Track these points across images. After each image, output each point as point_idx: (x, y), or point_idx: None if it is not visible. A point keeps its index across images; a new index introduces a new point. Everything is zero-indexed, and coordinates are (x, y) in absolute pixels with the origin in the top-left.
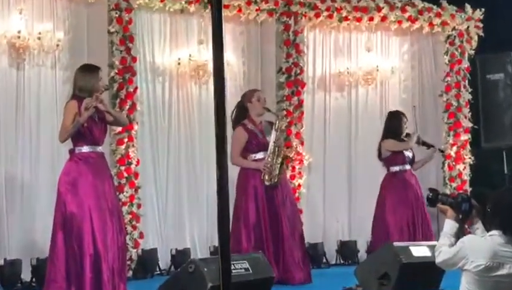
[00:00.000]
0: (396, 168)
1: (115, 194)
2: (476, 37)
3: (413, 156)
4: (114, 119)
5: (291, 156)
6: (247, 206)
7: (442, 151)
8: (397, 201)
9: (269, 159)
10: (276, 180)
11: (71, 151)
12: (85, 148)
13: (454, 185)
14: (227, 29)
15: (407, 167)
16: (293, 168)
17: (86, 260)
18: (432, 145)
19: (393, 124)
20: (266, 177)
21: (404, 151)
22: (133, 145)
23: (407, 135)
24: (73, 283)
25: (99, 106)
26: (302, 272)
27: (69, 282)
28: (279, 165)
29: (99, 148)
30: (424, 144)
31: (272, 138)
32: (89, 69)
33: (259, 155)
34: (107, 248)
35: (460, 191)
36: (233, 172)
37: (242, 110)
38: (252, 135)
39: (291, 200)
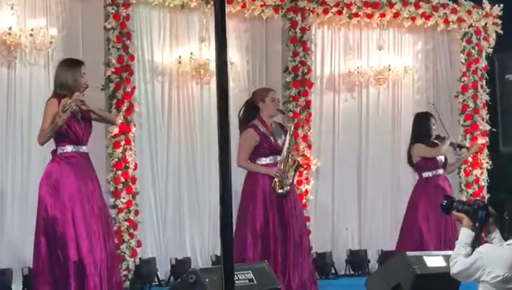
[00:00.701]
0: (428, 174)
1: (101, 197)
2: (494, 35)
3: (446, 159)
4: (100, 118)
5: (301, 163)
6: (255, 213)
7: (476, 152)
8: (430, 207)
9: (281, 167)
10: (288, 189)
11: (53, 152)
12: (68, 148)
13: (470, 191)
14: (231, 26)
15: (440, 171)
16: (300, 173)
17: (70, 268)
18: (463, 146)
19: (422, 126)
20: (278, 185)
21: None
22: (130, 149)
23: (438, 137)
24: None
25: (82, 106)
26: (311, 285)
27: None
28: (292, 174)
29: (84, 148)
30: (458, 146)
31: (285, 144)
32: (70, 64)
33: (270, 160)
34: (92, 254)
35: (477, 198)
36: (236, 176)
37: (252, 109)
38: (263, 137)
39: (299, 209)
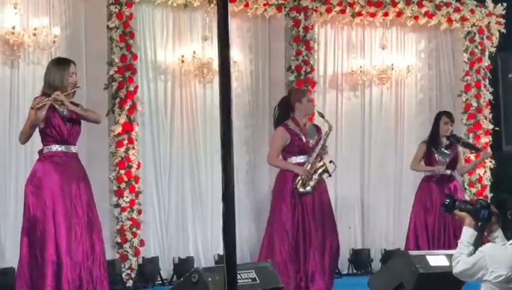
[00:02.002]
0: (430, 173)
1: (90, 199)
2: (497, 34)
3: (454, 159)
4: (84, 118)
5: (330, 172)
6: (284, 212)
7: (489, 156)
8: (422, 205)
9: (308, 167)
10: (309, 189)
11: (40, 152)
12: (53, 148)
13: (474, 190)
14: (234, 25)
15: (447, 171)
16: None
17: (47, 267)
18: (478, 149)
19: (432, 126)
20: (300, 184)
21: (436, 155)
22: (133, 148)
23: (452, 135)
24: None
25: (59, 107)
26: (327, 284)
27: None
28: (317, 177)
29: (72, 148)
30: (467, 145)
31: (318, 147)
32: (59, 64)
33: (300, 159)
34: (71, 255)
35: (480, 197)
36: (244, 173)
37: (287, 109)
38: (294, 136)
39: (327, 210)
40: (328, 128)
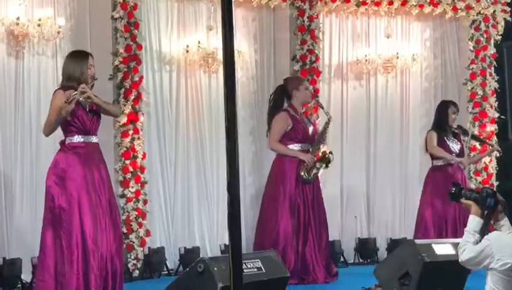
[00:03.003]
0: (439, 162)
1: (110, 188)
2: (502, 22)
3: (462, 149)
4: (104, 111)
5: (331, 159)
6: (287, 190)
7: (498, 150)
8: (435, 195)
9: (313, 155)
10: (312, 177)
11: (62, 142)
12: (76, 138)
13: (479, 179)
14: (238, 14)
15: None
16: None
17: (74, 258)
18: (486, 142)
19: (439, 114)
20: (305, 170)
21: (448, 143)
22: (138, 138)
23: (459, 127)
24: (61, 283)
25: (86, 98)
26: (327, 272)
27: (57, 281)
28: (320, 167)
29: (94, 139)
30: (475, 138)
31: (319, 134)
32: (77, 56)
33: (300, 147)
34: (97, 245)
35: (486, 186)
36: (247, 160)
37: (283, 96)
38: (298, 123)
39: (321, 200)
40: (328, 119)
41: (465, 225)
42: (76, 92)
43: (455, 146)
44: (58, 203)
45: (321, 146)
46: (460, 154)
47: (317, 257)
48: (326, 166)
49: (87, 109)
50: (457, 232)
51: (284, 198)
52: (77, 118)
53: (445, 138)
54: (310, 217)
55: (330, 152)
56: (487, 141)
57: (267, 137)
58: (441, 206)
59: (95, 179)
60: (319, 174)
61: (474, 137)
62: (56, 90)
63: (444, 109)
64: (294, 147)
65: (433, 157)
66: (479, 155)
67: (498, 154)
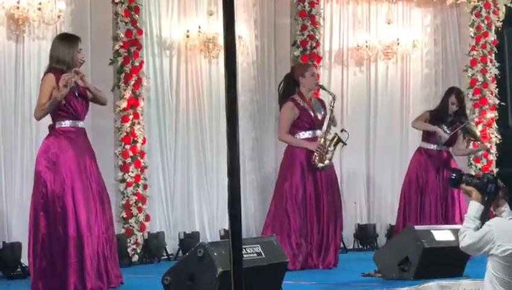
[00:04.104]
0: (425, 145)
1: (99, 173)
2: (503, 8)
3: (453, 137)
4: (93, 97)
5: (344, 140)
6: (294, 183)
7: (487, 150)
8: (418, 181)
9: (322, 141)
10: (328, 163)
11: (51, 127)
12: (66, 123)
13: (479, 165)
14: (239, 0)
15: (441, 147)
16: None
17: (70, 244)
18: (479, 139)
19: (443, 100)
20: (317, 159)
21: (436, 132)
22: (138, 123)
23: (456, 113)
24: (57, 268)
25: (79, 82)
26: (333, 258)
27: (54, 267)
28: (332, 149)
29: (81, 124)
30: (467, 131)
31: (326, 119)
32: (68, 39)
33: (309, 134)
34: (91, 231)
35: (486, 172)
36: (249, 149)
37: (291, 83)
38: (303, 111)
39: (335, 186)
40: (332, 98)
41: (447, 211)
42: (72, 75)
43: (445, 135)
44: (51, 189)
45: (330, 129)
46: (450, 142)
47: (323, 243)
48: (344, 143)
49: (76, 94)
50: (438, 214)
51: (290, 187)
52: (68, 103)
53: (438, 125)
54: (322, 205)
55: (342, 130)
56: (479, 137)
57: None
58: (422, 190)
59: (87, 165)
60: (330, 157)
61: (467, 129)
62: (46, 74)
63: (445, 97)
64: (303, 134)
65: (422, 138)
66: (466, 150)
67: (497, 141)
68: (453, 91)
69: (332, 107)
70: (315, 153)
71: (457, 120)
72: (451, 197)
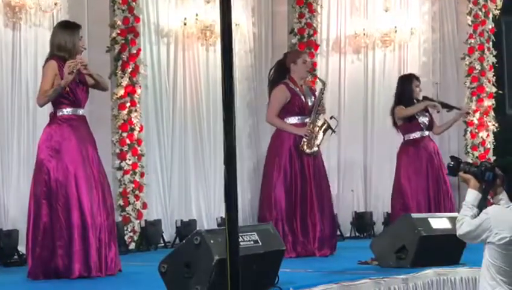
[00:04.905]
0: (411, 136)
1: (100, 161)
2: None
3: (431, 121)
4: (95, 83)
5: (333, 128)
6: (282, 167)
7: (467, 113)
8: (411, 170)
9: (311, 127)
10: (316, 149)
11: (52, 115)
12: (67, 111)
13: (476, 153)
14: None
15: (425, 133)
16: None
17: (74, 232)
18: (454, 107)
19: (404, 88)
20: (306, 145)
21: (417, 117)
22: (135, 110)
23: (425, 98)
24: (61, 257)
25: (82, 69)
26: (329, 246)
27: (56, 256)
28: (322, 135)
29: (82, 111)
30: (444, 105)
31: (315, 105)
32: (69, 27)
33: (298, 120)
34: (94, 218)
35: (484, 160)
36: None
37: (282, 69)
38: (295, 96)
39: (322, 173)
40: (323, 85)
41: (439, 199)
42: (76, 62)
43: (424, 119)
44: (54, 177)
45: (319, 115)
46: (430, 126)
47: (316, 230)
48: (333, 131)
49: (77, 80)
50: (432, 206)
51: (278, 172)
52: (70, 90)
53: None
54: (310, 191)
55: (332, 117)
56: (456, 106)
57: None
58: (416, 179)
59: (89, 152)
60: (319, 144)
61: (443, 104)
62: (48, 60)
63: (408, 83)
64: (292, 120)
65: (404, 131)
66: (446, 123)
67: (495, 129)
68: (410, 76)
69: (323, 94)
70: (304, 139)
71: (424, 100)
72: (443, 183)
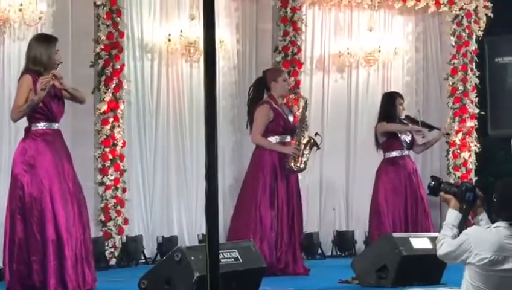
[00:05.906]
0: (391, 154)
1: (75, 174)
2: (484, 18)
3: (412, 140)
4: (71, 97)
5: (318, 144)
6: (266, 187)
7: (447, 134)
8: (389, 189)
9: (297, 145)
10: (304, 166)
11: (27, 129)
12: (42, 125)
13: (458, 174)
14: (221, 4)
15: (405, 152)
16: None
17: (49, 247)
18: (435, 128)
19: (387, 106)
20: (293, 162)
21: (400, 135)
22: (118, 126)
23: (407, 117)
24: (36, 272)
25: (56, 84)
26: (301, 264)
27: (32, 271)
28: (307, 153)
29: (56, 125)
30: (425, 125)
31: (300, 122)
32: (45, 39)
33: (281, 138)
34: (70, 233)
35: (465, 181)
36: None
37: (262, 87)
38: (278, 115)
39: (298, 191)
40: (304, 102)
41: (417, 218)
42: (49, 77)
43: (406, 137)
44: (28, 192)
45: (304, 132)
46: (411, 145)
47: (290, 249)
48: (318, 147)
49: (52, 94)
50: (409, 225)
51: (263, 189)
52: (44, 105)
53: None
54: (287, 210)
55: (316, 133)
56: (436, 127)
57: (246, 128)
58: (393, 197)
59: (64, 166)
60: (306, 160)
61: (424, 124)
62: (23, 74)
63: (391, 101)
64: (274, 139)
65: (385, 149)
66: (429, 141)
67: (477, 150)
68: (394, 94)
69: (305, 110)
70: (291, 157)
71: (408, 121)
72: (421, 202)
